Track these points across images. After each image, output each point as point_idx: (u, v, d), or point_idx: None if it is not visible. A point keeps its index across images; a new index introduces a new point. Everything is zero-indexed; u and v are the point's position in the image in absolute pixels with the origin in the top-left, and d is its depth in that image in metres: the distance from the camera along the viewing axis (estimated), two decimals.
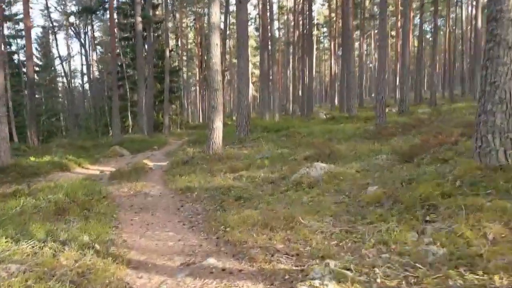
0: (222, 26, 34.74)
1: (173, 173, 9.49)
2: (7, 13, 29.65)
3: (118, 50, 28.99)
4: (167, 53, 26.32)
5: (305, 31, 31.04)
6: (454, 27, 43.24)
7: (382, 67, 13.69)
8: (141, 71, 23.17)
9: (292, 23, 36.67)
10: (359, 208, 5.16)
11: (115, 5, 21.37)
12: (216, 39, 10.45)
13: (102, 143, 19.93)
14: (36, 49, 45.01)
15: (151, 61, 26.05)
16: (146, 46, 25.67)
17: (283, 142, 12.62)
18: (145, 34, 25.77)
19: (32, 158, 14.07)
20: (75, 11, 28.91)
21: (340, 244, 4.05)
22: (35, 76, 40.94)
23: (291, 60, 38.15)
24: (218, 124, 10.71)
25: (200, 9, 47.49)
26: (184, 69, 50.81)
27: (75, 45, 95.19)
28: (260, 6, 26.53)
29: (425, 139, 9.12)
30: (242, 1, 13.99)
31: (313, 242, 4.11)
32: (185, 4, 47.28)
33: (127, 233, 5.26)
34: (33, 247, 4.10)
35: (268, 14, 24.87)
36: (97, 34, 47.16)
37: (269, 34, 25.75)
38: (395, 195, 5.18)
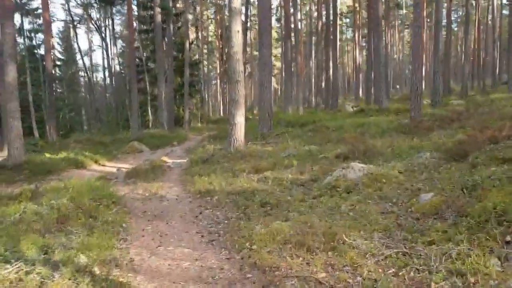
0: (242, 17, 33.86)
1: (192, 173, 8.71)
2: (27, 7, 29.45)
3: (137, 43, 28.52)
4: (187, 45, 25.57)
5: (329, 20, 29.84)
6: (484, 16, 41.18)
7: (417, 56, 12.56)
8: (161, 64, 22.53)
9: (315, 14, 35.39)
10: (413, 221, 4.25)
11: None
12: (237, 26, 9.59)
13: (121, 138, 19.40)
14: (58, 43, 45.21)
15: (170, 54, 25.40)
16: (166, 39, 25.03)
17: (310, 138, 11.71)
18: (164, 26, 25.14)
19: (47, 155, 13.58)
20: (93, 2, 28.29)
21: (400, 273, 3.17)
22: (57, 71, 41.16)
23: (313, 51, 36.91)
24: (240, 119, 9.88)
25: (220, 1, 46.71)
26: (205, 62, 50.18)
27: (97, 39, 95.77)
28: None
29: (472, 134, 8.09)
30: None
31: (364, 270, 3.24)
32: None
33: (136, 247, 4.50)
34: (18, 272, 3.37)
35: (290, 3, 23.81)
36: (118, 28, 46.99)
37: (292, 25, 24.70)
38: (458, 206, 4.25)
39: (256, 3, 24.31)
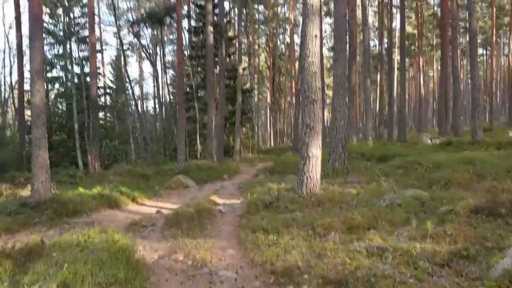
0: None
1: (253, 225, 6.21)
2: (79, 35, 29.11)
3: (187, 69, 27.19)
4: (240, 70, 23.75)
5: (391, 44, 27.16)
6: None
7: None
8: (211, 90, 20.72)
9: (377, 34, 32.85)
10: None
11: (184, 12, 19.09)
12: (314, 29, 7.24)
13: (166, 170, 17.44)
14: (110, 72, 45.43)
15: (222, 80, 23.68)
16: (217, 66, 23.44)
17: (403, 177, 8.94)
18: (216, 52, 23.63)
19: (80, 189, 11.66)
20: (139, 19, 27.33)
21: None
22: (107, 99, 40.96)
23: (378, 76, 34.10)
24: (316, 152, 7.38)
25: (273, 29, 45.39)
26: (255, 91, 48.67)
27: (148, 68, 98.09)
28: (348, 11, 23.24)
29: None
30: None
31: None
32: (257, 23, 45.53)
33: None
34: None
35: (356, 19, 21.50)
36: (169, 58, 46.74)
37: (356, 42, 22.20)
38: None
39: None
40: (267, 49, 46.86)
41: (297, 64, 48.57)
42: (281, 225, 5.89)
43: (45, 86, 13.23)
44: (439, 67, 39.50)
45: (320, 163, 7.50)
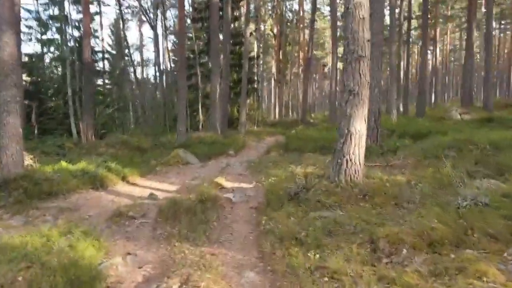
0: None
1: (279, 230, 4.40)
2: None
3: (189, 33, 24.96)
4: (247, 33, 21.52)
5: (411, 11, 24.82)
6: None
7: None
8: (216, 55, 18.62)
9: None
10: None
11: None
12: None
13: (165, 142, 15.61)
14: (109, 36, 42.98)
15: (226, 45, 21.51)
16: (222, 28, 21.24)
17: (459, 161, 7.11)
18: (221, 14, 21.43)
19: (63, 164, 9.88)
20: None
21: None
22: (105, 64, 38.74)
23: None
24: (360, 127, 5.52)
25: None
26: (260, 60, 46.24)
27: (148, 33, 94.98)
28: None
29: None
30: None
31: None
32: None
33: None
34: None
35: None
36: (171, 23, 44.08)
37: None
38: None
39: None
40: (274, 16, 44.14)
41: (306, 32, 46.07)
42: (321, 231, 4.11)
43: (17, 40, 11.25)
44: (464, 36, 37.19)
45: (365, 142, 5.64)
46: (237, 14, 26.25)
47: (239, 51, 25.78)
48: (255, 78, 30.62)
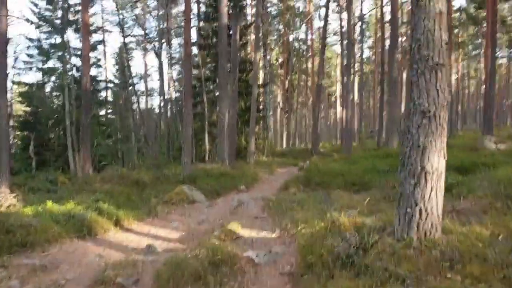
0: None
1: None
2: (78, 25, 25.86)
3: (196, 61, 23.86)
4: (258, 58, 20.29)
5: None
6: None
7: None
8: (224, 82, 17.31)
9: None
10: None
11: None
12: None
13: (168, 175, 14.03)
14: (113, 66, 42.28)
15: (235, 72, 20.31)
16: (229, 56, 20.08)
17: None
18: (229, 41, 20.31)
19: (49, 204, 8.32)
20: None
21: None
22: (109, 94, 37.75)
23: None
24: (438, 163, 3.95)
25: (287, 24, 41.71)
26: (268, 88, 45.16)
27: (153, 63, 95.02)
28: None
29: None
30: None
31: None
32: (269, 18, 41.91)
33: None
34: None
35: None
36: (176, 55, 43.38)
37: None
38: None
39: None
40: (282, 44, 43.36)
41: (316, 61, 45.20)
42: None
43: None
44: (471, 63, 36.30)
45: (443, 185, 4.06)
46: (244, 41, 25.26)
47: (246, 78, 24.60)
48: (264, 105, 29.33)
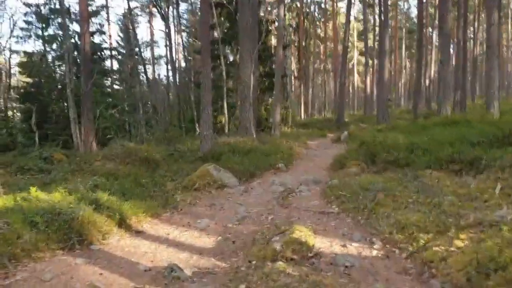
0: None
1: None
2: None
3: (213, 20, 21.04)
4: (282, 13, 17.41)
5: None
6: None
7: None
8: (246, 39, 14.60)
9: None
10: None
11: None
12: None
13: (184, 151, 11.62)
14: (119, 35, 39.54)
15: (255, 31, 17.52)
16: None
17: None
18: None
19: (33, 191, 5.93)
20: None
21: None
22: (114, 63, 35.20)
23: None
24: None
25: None
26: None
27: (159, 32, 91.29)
28: None
29: None
30: None
31: None
32: None
33: None
34: None
35: None
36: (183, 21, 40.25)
37: None
38: None
39: None
40: (296, 7, 39.99)
41: (330, 24, 41.90)
42: None
43: None
44: None
45: None
46: None
47: (265, 40, 21.79)
48: (283, 72, 26.52)
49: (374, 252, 3.82)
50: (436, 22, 33.52)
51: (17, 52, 26.97)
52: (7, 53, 29.94)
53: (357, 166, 7.76)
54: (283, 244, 4.02)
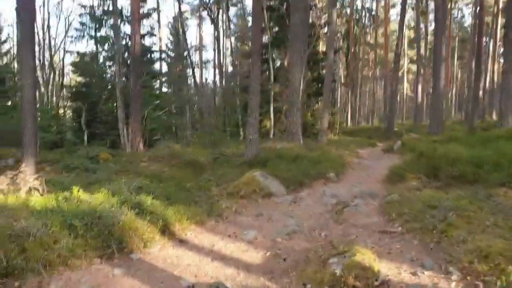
0: None
1: None
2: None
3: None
4: (334, 15, 16.79)
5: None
6: None
7: None
8: (297, 44, 14.10)
9: None
10: None
11: None
12: None
13: (229, 155, 11.30)
14: (169, 39, 40.13)
15: (305, 34, 17.01)
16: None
17: None
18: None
19: (75, 191, 5.79)
20: None
21: None
22: (163, 67, 35.73)
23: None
24: None
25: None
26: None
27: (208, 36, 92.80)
28: None
29: None
30: None
31: None
32: None
33: None
34: None
35: None
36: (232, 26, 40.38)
37: None
38: None
39: None
40: (346, 14, 39.07)
41: (380, 31, 40.62)
42: None
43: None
44: None
45: None
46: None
47: (315, 44, 21.23)
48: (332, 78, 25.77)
49: (453, 285, 3.23)
50: (493, 30, 31.64)
51: (70, 52, 27.84)
52: (61, 52, 31.25)
53: (417, 179, 7.06)
54: (343, 268, 3.50)
